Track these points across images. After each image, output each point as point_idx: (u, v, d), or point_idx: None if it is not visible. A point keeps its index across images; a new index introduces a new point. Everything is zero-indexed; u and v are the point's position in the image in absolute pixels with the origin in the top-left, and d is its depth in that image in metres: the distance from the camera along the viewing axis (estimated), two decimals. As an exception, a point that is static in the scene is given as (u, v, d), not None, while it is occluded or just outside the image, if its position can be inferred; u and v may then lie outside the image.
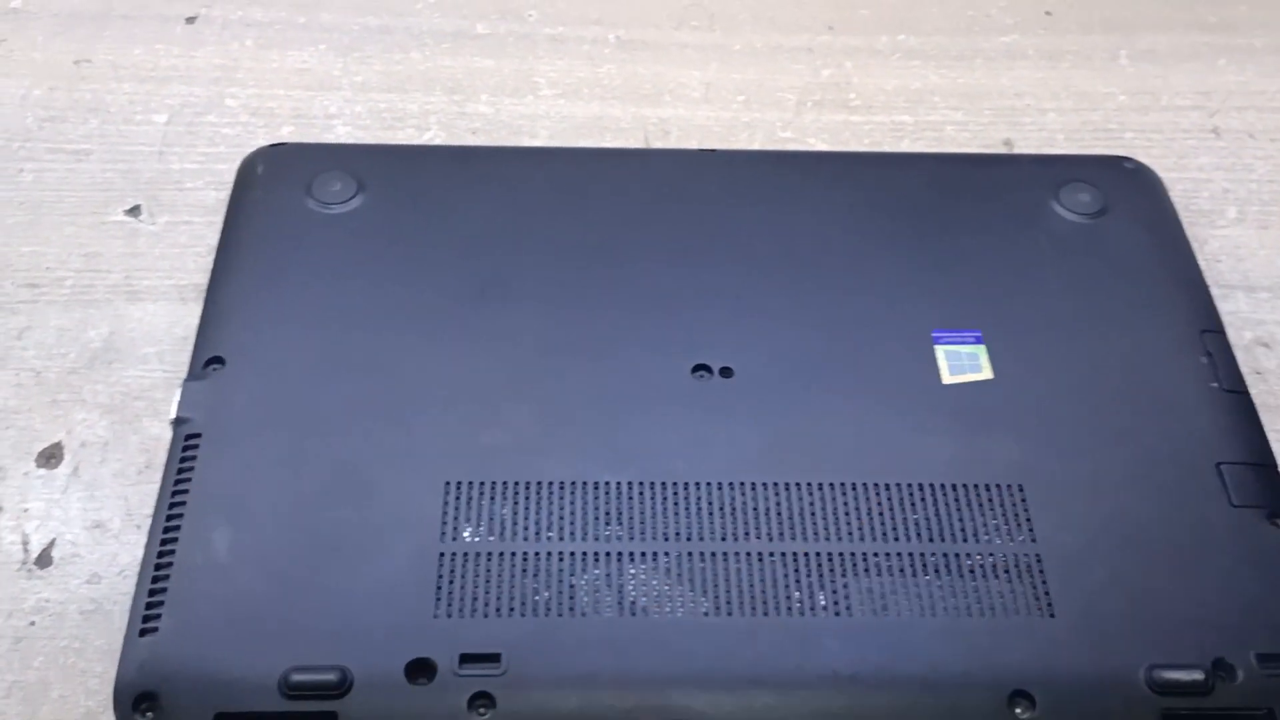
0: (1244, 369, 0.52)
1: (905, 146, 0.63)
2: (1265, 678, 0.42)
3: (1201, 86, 0.66)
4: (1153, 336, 0.52)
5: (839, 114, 0.64)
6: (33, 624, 0.45)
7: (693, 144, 0.63)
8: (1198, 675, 0.42)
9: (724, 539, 0.45)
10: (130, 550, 0.47)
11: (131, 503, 0.49)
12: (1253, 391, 0.51)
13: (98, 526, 0.48)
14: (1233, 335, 0.54)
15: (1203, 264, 0.56)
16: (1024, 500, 0.46)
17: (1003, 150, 0.63)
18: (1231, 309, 0.56)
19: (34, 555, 0.47)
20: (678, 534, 0.45)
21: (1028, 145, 0.63)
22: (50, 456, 0.50)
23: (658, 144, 0.63)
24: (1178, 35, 0.69)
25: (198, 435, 0.47)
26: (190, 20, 0.67)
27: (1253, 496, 0.47)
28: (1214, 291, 0.55)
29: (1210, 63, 0.68)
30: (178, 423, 0.47)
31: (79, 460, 0.50)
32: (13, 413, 0.51)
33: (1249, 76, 0.67)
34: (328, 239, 0.54)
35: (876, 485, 0.47)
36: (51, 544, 0.47)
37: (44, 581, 0.46)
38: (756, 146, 0.63)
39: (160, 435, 0.50)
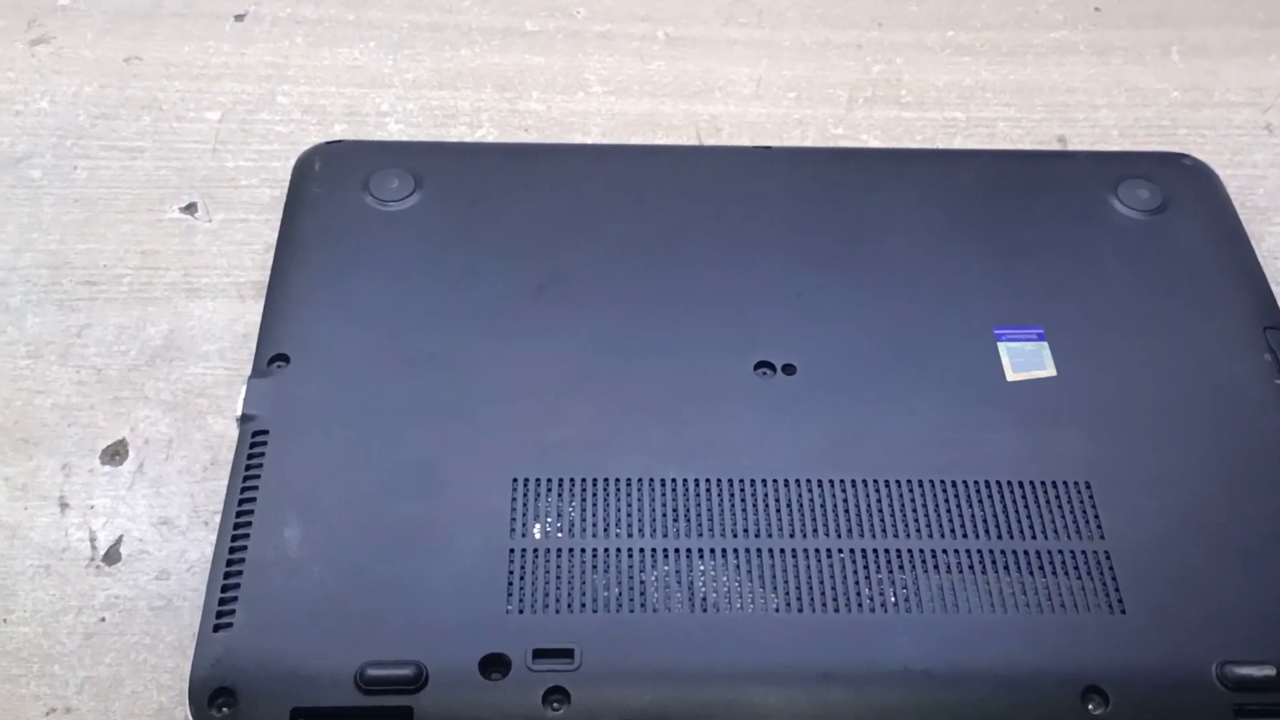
0: (1305, 365, 0.52)
1: (959, 143, 0.63)
2: (1339, 674, 0.42)
3: (1254, 83, 0.66)
4: (1215, 333, 0.52)
5: (891, 110, 0.64)
6: (103, 620, 0.46)
7: (745, 141, 0.63)
8: (1270, 671, 0.42)
9: (792, 535, 0.45)
10: (198, 547, 0.47)
11: (198, 499, 0.49)
12: (1315, 388, 0.51)
13: (165, 523, 0.48)
14: (1293, 331, 0.54)
15: (1260, 261, 0.56)
16: (1091, 497, 0.46)
17: (1057, 146, 0.63)
18: (1291, 305, 0.56)
19: (102, 552, 0.47)
20: (745, 530, 0.45)
21: (1082, 141, 0.63)
22: (115, 454, 0.50)
23: (710, 141, 0.63)
24: (1227, 30, 0.69)
25: (265, 432, 0.47)
26: (239, 18, 0.68)
27: (1320, 492, 0.47)
28: (1272, 289, 0.55)
29: (1261, 58, 0.68)
30: (244, 420, 0.47)
31: (144, 457, 0.50)
32: (75, 410, 0.51)
33: (1301, 72, 0.67)
34: (387, 236, 0.54)
35: (943, 482, 0.47)
36: (119, 541, 0.48)
37: (112, 578, 0.47)
38: (810, 143, 0.63)
39: (224, 432, 0.50)
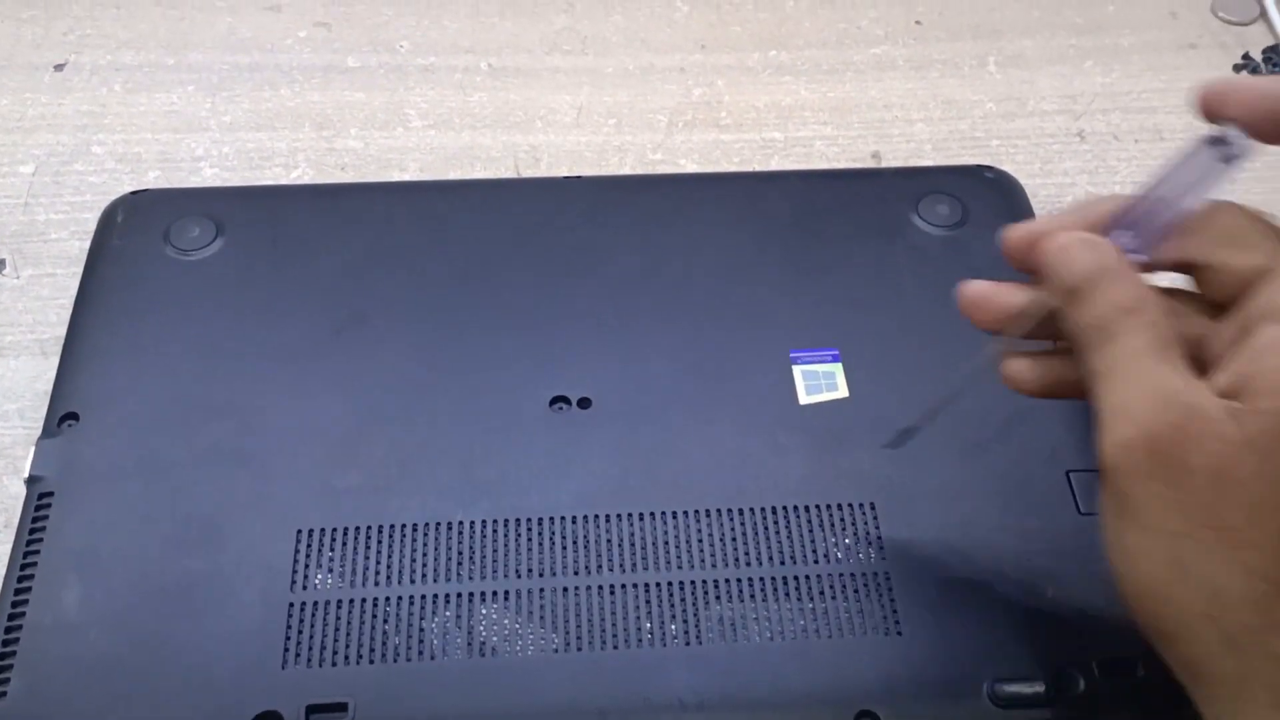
0: (1102, 373, 0.53)
1: (775, 163, 0.63)
2: (1106, 686, 0.43)
3: (1068, 90, 0.67)
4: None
5: (710, 133, 0.65)
6: (-114, 693, 0.45)
7: (563, 170, 0.63)
8: (1039, 687, 0.42)
9: (576, 573, 0.45)
10: (-14, 613, 0.47)
11: (-12, 565, 0.48)
12: (1109, 396, 0.52)
13: (-47, 590, 0.48)
14: (1091, 340, 0.55)
15: (1064, 269, 0.57)
16: (875, 518, 0.47)
17: (870, 163, 0.63)
18: (1091, 313, 0.57)
19: (-111, 622, 0.47)
20: (530, 570, 0.45)
21: (895, 157, 0.63)
22: (-93, 520, 0.50)
23: (528, 172, 0.63)
24: (1045, 38, 0.70)
25: (50, 494, 0.47)
26: (59, 67, 0.67)
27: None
28: (1074, 296, 0.56)
29: (1078, 65, 0.68)
30: (31, 482, 0.47)
31: (-64, 523, 0.50)
32: None
33: (1115, 78, 0.68)
34: (186, 286, 0.53)
35: (731, 511, 0.47)
36: (-93, 610, 0.47)
37: (-102, 649, 0.46)
38: (627, 170, 0.63)
39: (19, 494, 0.50)
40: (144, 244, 0.55)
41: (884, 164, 0.63)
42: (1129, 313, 0.35)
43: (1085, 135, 0.65)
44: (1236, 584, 0.33)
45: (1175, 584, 0.34)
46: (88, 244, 0.56)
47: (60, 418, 0.49)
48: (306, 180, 0.62)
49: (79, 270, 0.56)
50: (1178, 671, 0.35)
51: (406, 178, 0.62)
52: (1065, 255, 0.37)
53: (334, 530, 0.46)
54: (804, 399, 0.50)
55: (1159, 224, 0.36)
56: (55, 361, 0.53)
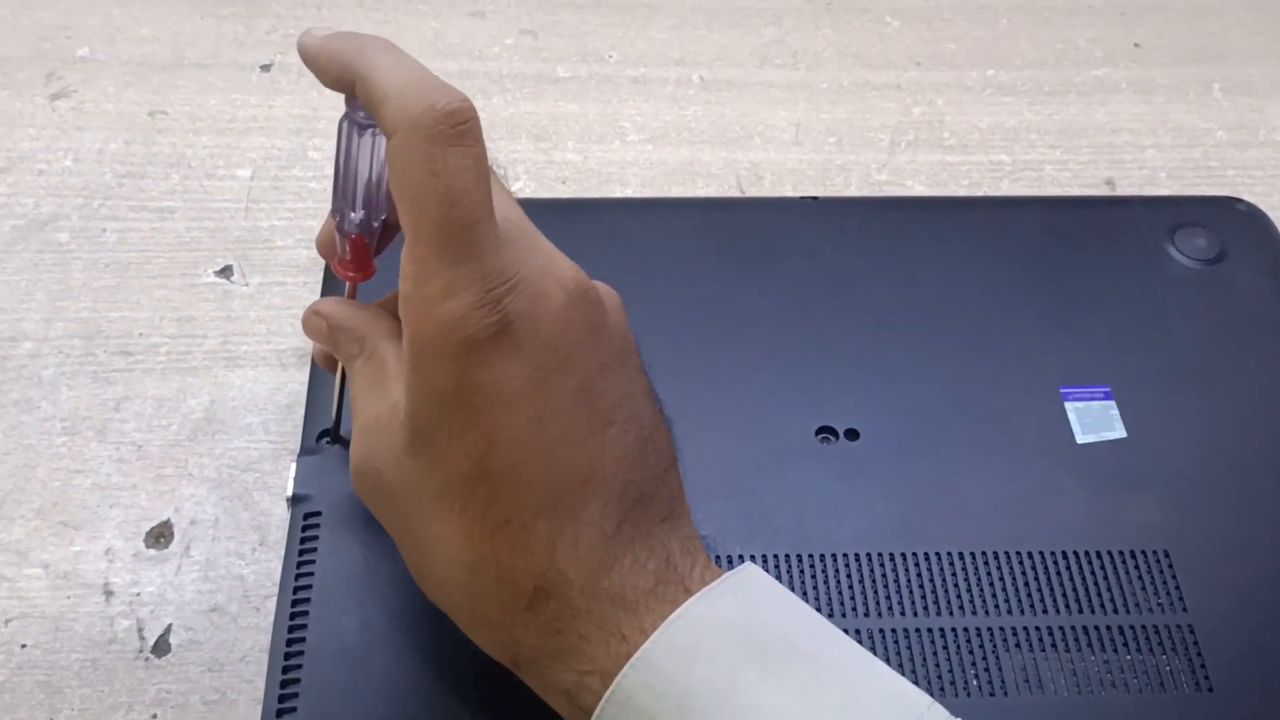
0: (1375, 418, 0.51)
1: (1005, 187, 0.62)
2: None
3: (1300, 119, 0.65)
4: (1283, 388, 0.51)
5: (934, 154, 0.63)
6: (155, 717, 0.44)
7: (787, 188, 0.61)
8: (1370, 750, 0.41)
9: (867, 615, 0.44)
10: (251, 635, 0.46)
11: (248, 583, 0.47)
12: (1387, 442, 0.50)
13: (215, 610, 0.47)
14: (1360, 383, 0.53)
15: (1321, 307, 0.55)
16: (1171, 566, 0.45)
17: (1105, 190, 0.61)
18: (1355, 354, 0.55)
19: (150, 643, 0.46)
20: (816, 609, 0.44)
21: (1130, 185, 0.62)
22: (159, 535, 0.49)
23: (751, 189, 0.61)
24: (1269, 65, 0.68)
25: (318, 514, 0.46)
26: (265, 68, 0.66)
27: (1406, 558, 0.46)
28: (1336, 336, 0.54)
29: (1307, 94, 0.67)
30: (294, 501, 0.46)
31: (190, 539, 0.48)
32: (116, 489, 0.50)
33: (1348, 108, 0.66)
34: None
35: (1017, 554, 0.45)
36: (168, 630, 0.46)
37: (163, 671, 0.45)
38: (853, 191, 0.61)
39: (271, 510, 0.49)
40: (385, 256, 0.54)
41: (1119, 192, 0.61)
42: (352, 358, 0.41)
43: (1324, 167, 0.63)
44: (440, 571, 0.37)
45: (422, 579, 0.38)
46: (315, 252, 0.55)
47: (318, 435, 0.48)
48: (528, 194, 0.61)
49: (308, 279, 0.55)
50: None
51: (629, 193, 0.61)
52: (306, 328, 0.43)
53: (615, 562, 0.45)
54: (1081, 438, 0.49)
55: (373, 193, 0.41)
56: (294, 374, 0.52)
